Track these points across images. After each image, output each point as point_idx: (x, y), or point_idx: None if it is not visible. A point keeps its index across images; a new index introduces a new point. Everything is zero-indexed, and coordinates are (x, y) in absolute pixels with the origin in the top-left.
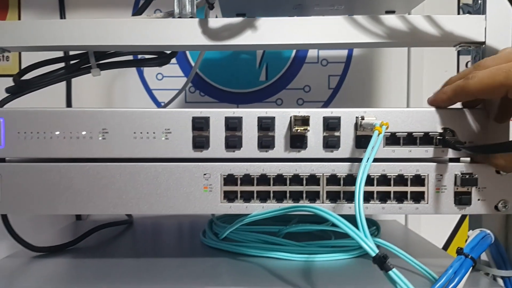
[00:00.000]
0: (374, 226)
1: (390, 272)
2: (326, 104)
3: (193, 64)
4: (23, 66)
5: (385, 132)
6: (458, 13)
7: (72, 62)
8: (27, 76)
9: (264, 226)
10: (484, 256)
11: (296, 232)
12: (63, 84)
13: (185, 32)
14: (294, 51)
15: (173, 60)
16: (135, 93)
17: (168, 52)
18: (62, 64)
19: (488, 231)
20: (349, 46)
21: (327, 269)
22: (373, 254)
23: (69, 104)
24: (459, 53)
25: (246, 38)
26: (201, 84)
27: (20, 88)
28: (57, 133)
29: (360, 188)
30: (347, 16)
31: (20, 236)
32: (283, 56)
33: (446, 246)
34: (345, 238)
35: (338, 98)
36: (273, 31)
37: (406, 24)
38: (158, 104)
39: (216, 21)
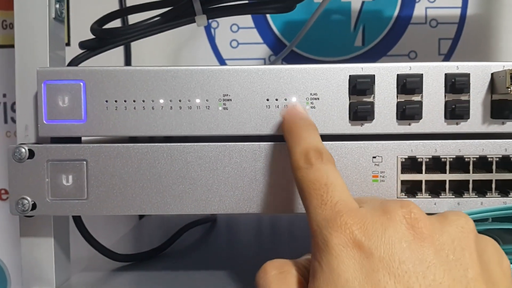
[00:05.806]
0: None
1: None
2: None
3: (274, 27)
4: (71, 34)
5: None
6: None
7: (170, 8)
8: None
9: None
10: None
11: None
12: (120, 52)
13: None
14: (398, 9)
15: (251, 24)
16: (205, 63)
17: None
18: (155, 12)
19: None
20: None
21: None
22: None
23: None
24: None
25: None
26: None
27: (101, 41)
28: (161, 101)
29: None
30: None
31: (100, 242)
32: (383, 16)
33: None
34: None
35: None
36: None
37: None
38: None
39: None
